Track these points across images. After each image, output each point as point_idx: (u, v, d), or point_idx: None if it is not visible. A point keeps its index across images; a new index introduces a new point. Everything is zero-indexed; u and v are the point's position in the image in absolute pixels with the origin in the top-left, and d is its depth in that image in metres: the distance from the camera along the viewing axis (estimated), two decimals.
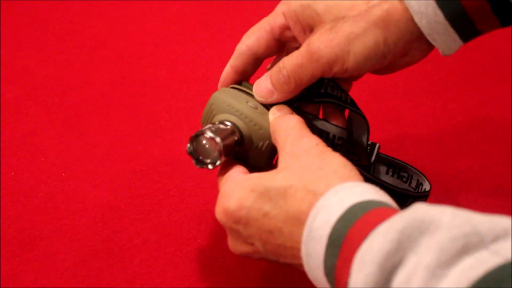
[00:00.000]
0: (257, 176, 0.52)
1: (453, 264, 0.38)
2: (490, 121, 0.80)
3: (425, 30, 0.54)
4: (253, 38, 0.60)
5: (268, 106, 0.58)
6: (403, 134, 0.79)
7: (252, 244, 0.52)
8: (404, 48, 0.56)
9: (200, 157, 0.55)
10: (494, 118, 0.81)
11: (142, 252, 0.65)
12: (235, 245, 0.54)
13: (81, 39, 0.90)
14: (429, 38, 0.55)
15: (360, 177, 0.49)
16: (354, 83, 0.63)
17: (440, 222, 0.39)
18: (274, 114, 0.57)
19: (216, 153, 0.54)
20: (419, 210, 0.41)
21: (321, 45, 0.54)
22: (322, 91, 0.59)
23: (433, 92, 0.83)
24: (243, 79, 0.62)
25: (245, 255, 0.54)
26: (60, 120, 0.78)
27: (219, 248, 0.65)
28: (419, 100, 0.82)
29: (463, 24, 0.54)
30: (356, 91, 0.64)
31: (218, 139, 0.54)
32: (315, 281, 0.48)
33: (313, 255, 0.46)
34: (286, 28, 0.59)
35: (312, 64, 0.55)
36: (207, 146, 0.55)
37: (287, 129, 0.54)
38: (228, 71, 0.61)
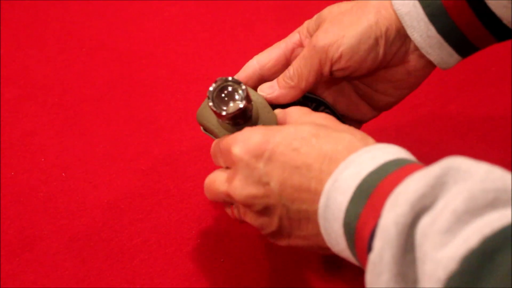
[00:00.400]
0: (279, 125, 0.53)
1: (480, 214, 0.38)
2: (490, 121, 0.80)
3: (418, 43, 0.56)
4: (265, 54, 0.61)
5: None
6: (403, 134, 0.79)
7: (266, 184, 0.49)
8: (398, 44, 0.57)
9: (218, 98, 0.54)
10: (494, 118, 0.81)
11: (142, 252, 0.65)
12: (243, 186, 0.50)
13: (81, 39, 0.90)
14: (423, 51, 0.57)
15: None
16: None
17: (475, 173, 0.40)
18: (280, 110, 0.58)
19: (239, 97, 0.53)
20: (456, 160, 0.42)
21: (319, 33, 0.57)
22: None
23: (432, 92, 0.83)
24: None
25: (250, 198, 0.50)
26: (60, 120, 0.78)
27: (219, 248, 0.65)
28: (418, 100, 0.82)
29: (456, 38, 0.56)
30: None
31: (243, 86, 0.54)
32: (326, 233, 0.47)
33: (333, 206, 0.46)
34: (300, 44, 0.61)
35: (311, 53, 0.57)
36: (226, 98, 0.54)
37: (300, 110, 0.56)
38: None
